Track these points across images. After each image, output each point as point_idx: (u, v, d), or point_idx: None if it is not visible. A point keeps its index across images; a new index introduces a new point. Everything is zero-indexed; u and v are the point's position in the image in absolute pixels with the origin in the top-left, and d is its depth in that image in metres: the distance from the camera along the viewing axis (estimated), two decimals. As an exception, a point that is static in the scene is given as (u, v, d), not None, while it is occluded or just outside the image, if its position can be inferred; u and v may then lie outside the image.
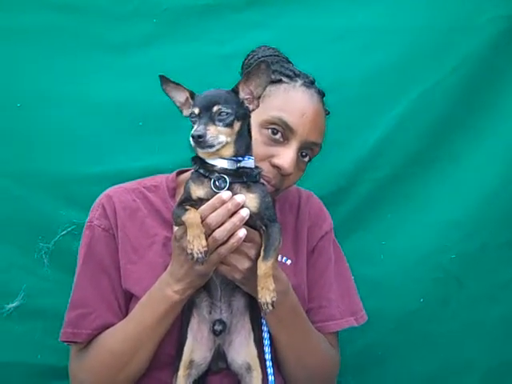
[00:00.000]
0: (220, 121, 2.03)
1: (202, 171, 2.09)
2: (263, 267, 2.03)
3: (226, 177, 2.06)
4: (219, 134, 2.02)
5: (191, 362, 2.20)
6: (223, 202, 2.00)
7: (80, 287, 2.37)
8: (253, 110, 2.13)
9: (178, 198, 2.44)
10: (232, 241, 2.02)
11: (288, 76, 2.38)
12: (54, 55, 2.94)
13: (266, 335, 2.25)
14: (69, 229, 2.89)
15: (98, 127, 2.96)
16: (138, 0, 2.99)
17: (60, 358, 2.80)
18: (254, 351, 2.24)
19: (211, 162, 2.09)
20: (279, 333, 2.30)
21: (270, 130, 2.31)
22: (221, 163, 2.08)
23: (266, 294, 2.01)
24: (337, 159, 2.95)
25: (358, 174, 3.07)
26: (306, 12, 3.06)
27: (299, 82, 2.39)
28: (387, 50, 3.05)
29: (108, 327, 2.33)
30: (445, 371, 3.08)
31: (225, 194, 2.01)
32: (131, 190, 2.47)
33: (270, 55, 2.45)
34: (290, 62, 2.50)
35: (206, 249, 1.98)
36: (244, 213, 2.01)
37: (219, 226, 2.00)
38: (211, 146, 2.02)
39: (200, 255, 1.97)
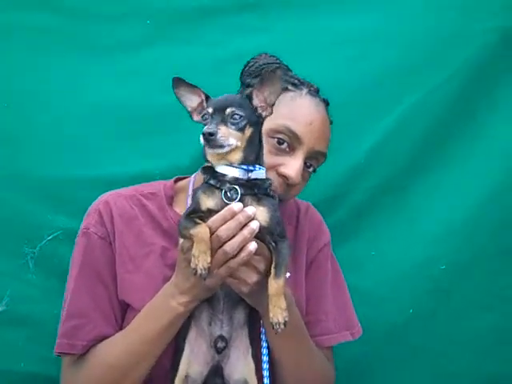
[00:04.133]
0: (232, 124, 2.01)
1: (212, 182, 2.04)
2: (275, 285, 1.99)
3: (237, 188, 2.02)
4: (230, 136, 1.99)
5: (187, 377, 2.16)
6: (234, 214, 1.96)
7: (75, 297, 2.30)
8: (265, 117, 2.11)
9: (176, 206, 2.43)
10: (242, 254, 1.97)
11: (293, 84, 2.35)
12: (45, 56, 2.89)
13: (265, 351, 2.22)
14: (55, 234, 2.82)
15: (87, 130, 2.90)
16: (132, 1, 2.95)
17: (44, 366, 2.78)
18: (251, 367, 2.20)
19: (222, 170, 2.05)
20: (280, 348, 2.26)
21: (275, 140, 2.27)
22: (232, 172, 2.04)
23: (277, 314, 1.97)
24: (328, 167, 2.86)
25: (350, 183, 3.06)
26: (300, 17, 3.03)
27: (305, 90, 2.36)
28: (381, 58, 3.03)
29: (104, 338, 2.27)
30: (434, 383, 3.06)
31: (236, 206, 1.97)
32: (128, 197, 2.41)
33: (272, 63, 2.41)
34: (290, 70, 2.47)
35: (209, 265, 1.94)
36: (254, 225, 1.97)
37: (230, 239, 1.96)
38: (221, 147, 1.98)
39: (204, 271, 1.93)
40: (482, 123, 3.06)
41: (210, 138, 1.95)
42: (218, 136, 1.96)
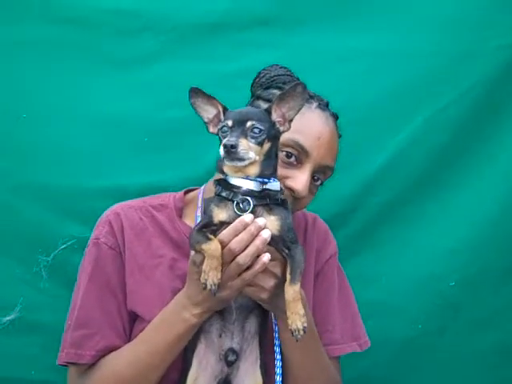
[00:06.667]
0: (252, 137, 2.00)
1: (224, 194, 2.03)
2: (291, 291, 1.98)
3: (249, 199, 2.01)
4: (250, 150, 1.98)
5: (194, 390, 2.15)
6: (246, 225, 1.95)
7: (85, 306, 2.30)
8: (283, 131, 2.10)
9: (186, 218, 2.45)
10: (257, 267, 1.98)
11: None
12: (60, 69, 2.93)
13: (278, 363, 2.20)
14: (69, 243, 2.86)
15: (102, 142, 2.94)
16: (146, 17, 2.99)
17: (55, 374, 2.74)
18: (259, 379, 2.18)
19: (237, 183, 2.04)
20: (293, 352, 2.24)
21: (284, 153, 2.26)
22: (246, 184, 2.03)
23: (296, 320, 1.96)
24: (340, 182, 2.86)
25: (361, 198, 3.07)
26: (313, 33, 3.05)
27: (314, 104, 2.36)
28: (394, 75, 3.05)
29: (112, 349, 2.26)
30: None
31: (247, 217, 1.96)
32: (138, 208, 2.42)
33: (283, 74, 2.41)
34: None
35: (219, 281, 1.95)
36: (266, 234, 1.96)
37: (242, 251, 1.96)
38: (241, 160, 1.97)
39: (214, 287, 1.94)
40: (494, 140, 3.07)
41: (231, 150, 1.94)
42: (240, 149, 1.95)
